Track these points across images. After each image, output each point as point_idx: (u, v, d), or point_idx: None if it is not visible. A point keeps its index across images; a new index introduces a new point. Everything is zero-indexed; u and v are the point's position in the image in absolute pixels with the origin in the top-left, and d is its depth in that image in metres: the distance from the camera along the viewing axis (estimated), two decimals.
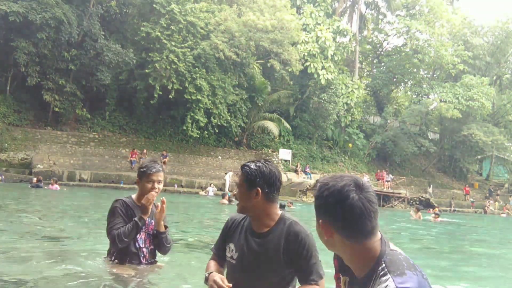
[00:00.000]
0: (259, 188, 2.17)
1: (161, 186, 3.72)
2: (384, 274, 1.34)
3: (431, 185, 35.40)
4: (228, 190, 23.35)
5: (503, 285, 5.86)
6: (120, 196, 3.81)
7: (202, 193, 22.83)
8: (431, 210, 23.03)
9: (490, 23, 39.22)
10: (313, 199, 1.51)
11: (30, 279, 3.64)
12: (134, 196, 3.84)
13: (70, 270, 4.10)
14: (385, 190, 29.16)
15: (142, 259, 3.68)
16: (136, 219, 3.53)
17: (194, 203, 17.32)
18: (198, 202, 17.87)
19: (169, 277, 4.09)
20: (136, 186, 3.89)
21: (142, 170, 3.67)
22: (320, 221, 1.44)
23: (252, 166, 2.22)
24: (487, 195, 35.84)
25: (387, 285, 1.30)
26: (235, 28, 25.23)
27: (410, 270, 1.34)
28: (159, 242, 3.72)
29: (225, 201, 16.98)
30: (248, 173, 2.21)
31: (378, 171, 32.89)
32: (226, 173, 25.18)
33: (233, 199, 17.83)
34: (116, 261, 3.66)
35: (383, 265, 1.38)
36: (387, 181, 30.86)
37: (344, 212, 1.37)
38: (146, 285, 3.72)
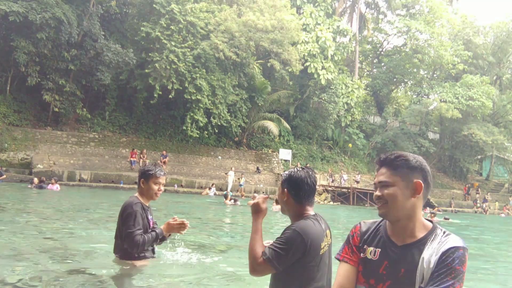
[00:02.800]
0: (286, 190, 2.43)
1: (163, 188, 4.12)
2: (448, 234, 1.69)
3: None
4: (230, 190, 23.39)
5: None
6: (133, 198, 4.03)
7: (207, 191, 22.90)
8: (427, 209, 23.03)
9: (491, 22, 39.27)
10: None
11: (30, 279, 3.64)
12: (137, 195, 4.08)
13: (70, 270, 4.10)
14: None
15: (154, 251, 4.19)
16: (159, 234, 3.99)
17: (199, 203, 17.31)
18: (202, 202, 17.86)
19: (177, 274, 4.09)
20: (136, 186, 4.09)
21: (150, 172, 4.00)
22: (416, 181, 1.71)
23: (286, 172, 2.51)
24: (466, 192, 35.59)
25: (459, 246, 1.62)
26: (235, 28, 25.22)
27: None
28: (160, 241, 4.13)
29: (229, 202, 16.93)
30: (282, 177, 2.51)
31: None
32: (227, 173, 25.18)
33: (236, 199, 17.88)
34: (137, 255, 3.99)
35: (442, 229, 1.72)
36: None
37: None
38: (147, 280, 3.73)
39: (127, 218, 3.84)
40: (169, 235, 4.15)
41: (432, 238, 1.69)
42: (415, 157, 1.77)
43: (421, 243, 1.69)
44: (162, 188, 4.08)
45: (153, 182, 3.97)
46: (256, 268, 2.25)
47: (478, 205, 33.74)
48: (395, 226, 1.77)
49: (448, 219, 18.77)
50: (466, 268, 1.59)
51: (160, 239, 4.04)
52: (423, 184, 1.71)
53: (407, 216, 1.72)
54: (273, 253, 2.22)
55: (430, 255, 1.64)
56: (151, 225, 4.11)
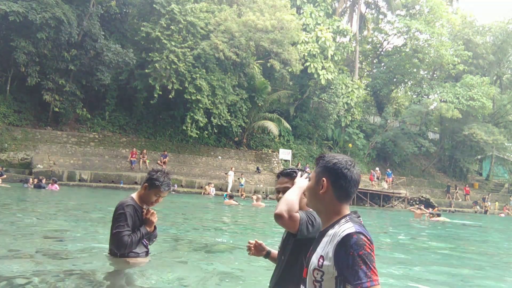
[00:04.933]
0: (325, 180, 2.56)
1: (162, 199, 4.04)
2: (346, 221, 1.81)
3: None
4: (230, 190, 23.39)
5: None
6: (127, 198, 4.00)
7: (208, 189, 22.92)
8: (429, 209, 23.03)
9: (491, 22, 39.27)
10: None
11: (30, 279, 3.64)
12: (134, 196, 4.05)
13: (70, 270, 4.10)
14: (375, 188, 29.39)
15: (147, 248, 4.12)
16: (143, 232, 3.90)
17: (200, 203, 17.31)
18: (203, 202, 17.86)
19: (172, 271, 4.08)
20: (136, 186, 4.06)
21: (156, 183, 3.89)
22: (324, 178, 1.90)
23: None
24: (446, 190, 35.51)
25: (349, 227, 1.75)
26: (235, 28, 25.21)
27: (357, 222, 1.81)
28: (149, 236, 4.09)
29: (233, 202, 16.91)
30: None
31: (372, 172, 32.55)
32: (227, 173, 25.18)
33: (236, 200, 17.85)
34: (131, 253, 3.95)
35: (347, 218, 1.84)
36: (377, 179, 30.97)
37: (345, 176, 1.88)
38: (146, 280, 3.72)
39: (117, 218, 3.85)
40: (154, 228, 4.06)
41: (333, 225, 1.85)
42: (329, 157, 1.97)
43: (326, 230, 1.87)
44: (161, 200, 3.99)
45: (154, 193, 3.90)
46: (289, 215, 2.35)
47: (477, 206, 33.73)
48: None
49: (439, 215, 18.68)
50: (369, 248, 1.69)
51: (147, 237, 3.98)
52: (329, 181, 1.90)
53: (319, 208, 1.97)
54: (306, 218, 2.43)
55: (326, 241, 1.81)
56: None
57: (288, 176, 2.76)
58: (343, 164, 1.90)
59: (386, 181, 30.91)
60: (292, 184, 2.62)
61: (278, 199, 2.70)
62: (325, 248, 1.78)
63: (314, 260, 1.81)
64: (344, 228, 1.76)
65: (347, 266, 1.67)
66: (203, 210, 14.70)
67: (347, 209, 1.91)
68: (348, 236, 1.71)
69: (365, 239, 1.70)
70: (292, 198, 2.40)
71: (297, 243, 2.56)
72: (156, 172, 3.96)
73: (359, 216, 1.93)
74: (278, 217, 2.34)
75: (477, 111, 34.08)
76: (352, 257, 1.67)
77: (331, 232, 1.81)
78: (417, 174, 38.90)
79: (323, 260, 1.76)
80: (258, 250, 2.97)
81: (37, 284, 3.52)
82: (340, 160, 1.92)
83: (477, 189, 39.32)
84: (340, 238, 1.72)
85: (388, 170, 32.33)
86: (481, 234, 15.09)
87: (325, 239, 1.82)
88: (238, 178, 25.40)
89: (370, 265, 1.67)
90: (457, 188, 35.77)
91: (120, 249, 3.84)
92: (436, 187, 36.93)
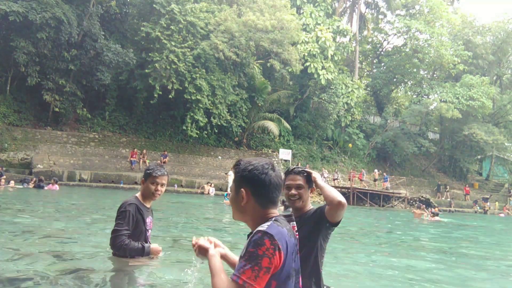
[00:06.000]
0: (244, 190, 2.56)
1: (163, 189, 4.05)
2: (263, 226, 1.73)
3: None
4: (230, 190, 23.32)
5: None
6: (131, 197, 4.06)
7: (208, 188, 22.92)
8: (430, 209, 23.03)
9: (491, 22, 39.28)
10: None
11: (30, 279, 3.64)
12: (138, 195, 4.12)
13: (71, 270, 4.10)
14: (359, 187, 29.43)
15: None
16: (146, 250, 3.96)
17: (200, 203, 17.31)
18: (203, 202, 17.86)
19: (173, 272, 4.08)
20: (136, 186, 4.13)
21: (148, 171, 3.99)
22: (242, 189, 1.83)
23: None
24: (436, 189, 35.50)
25: (264, 226, 1.72)
26: (235, 28, 25.21)
27: (278, 225, 1.74)
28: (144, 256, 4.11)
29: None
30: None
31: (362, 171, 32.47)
32: (227, 173, 25.18)
33: None
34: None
35: (269, 222, 1.76)
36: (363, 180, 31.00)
37: (264, 182, 1.80)
38: (147, 280, 3.73)
39: (117, 216, 3.92)
40: (152, 257, 4.11)
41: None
42: (244, 164, 1.89)
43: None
44: (162, 188, 4.01)
45: (150, 182, 3.96)
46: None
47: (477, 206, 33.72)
48: None
49: (437, 214, 18.68)
50: (263, 251, 1.64)
51: (145, 254, 4.01)
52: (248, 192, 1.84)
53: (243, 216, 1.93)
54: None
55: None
56: (149, 227, 4.13)
57: (299, 174, 2.98)
58: (259, 170, 1.82)
59: (384, 185, 30.91)
60: (304, 182, 2.93)
61: (288, 196, 2.95)
62: (243, 249, 1.76)
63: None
64: (261, 227, 1.73)
65: (240, 257, 1.70)
66: (203, 210, 14.70)
67: (274, 213, 1.85)
68: (256, 232, 1.71)
69: (268, 241, 1.65)
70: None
71: (314, 238, 2.86)
72: (148, 166, 4.12)
73: (291, 221, 1.86)
74: (343, 206, 2.72)
75: (477, 111, 34.08)
76: (246, 250, 1.68)
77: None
78: (417, 174, 38.90)
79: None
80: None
81: (38, 284, 3.52)
82: (256, 166, 1.84)
83: (477, 189, 39.32)
84: (252, 234, 1.74)
85: (385, 174, 32.30)
86: (481, 234, 15.09)
87: (246, 243, 1.78)
88: None
89: (252, 266, 1.62)
90: (447, 187, 35.69)
91: (113, 247, 3.92)
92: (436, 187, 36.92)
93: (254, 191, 1.82)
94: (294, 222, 1.92)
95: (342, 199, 2.72)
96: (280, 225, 1.75)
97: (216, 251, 1.95)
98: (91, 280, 3.74)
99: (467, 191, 35.96)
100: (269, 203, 1.84)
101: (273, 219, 1.79)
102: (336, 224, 2.84)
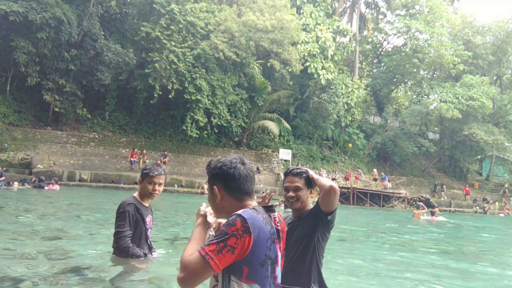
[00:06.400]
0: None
1: (161, 188, 4.06)
2: (240, 211, 1.78)
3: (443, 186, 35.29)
4: None
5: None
6: (129, 197, 4.07)
7: (205, 188, 22.92)
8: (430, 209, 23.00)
9: (491, 22, 39.27)
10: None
11: (30, 279, 3.64)
12: (136, 195, 4.13)
13: (71, 270, 4.10)
14: (355, 186, 29.44)
15: (152, 248, 4.22)
16: (148, 256, 4.08)
17: (199, 203, 17.30)
18: (205, 202, 17.84)
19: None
20: (136, 186, 4.13)
21: (145, 171, 4.01)
22: (215, 187, 1.89)
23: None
24: (433, 189, 35.45)
25: (235, 213, 1.77)
26: (235, 28, 25.21)
27: (253, 212, 1.79)
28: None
29: None
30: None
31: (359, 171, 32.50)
32: None
33: None
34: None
35: (246, 209, 1.82)
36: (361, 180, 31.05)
37: (233, 176, 1.87)
38: (147, 280, 3.73)
39: (117, 217, 3.95)
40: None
41: None
42: (214, 163, 1.96)
43: None
44: (159, 187, 4.02)
45: (148, 182, 3.97)
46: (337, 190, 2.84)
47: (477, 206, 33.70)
48: None
49: (434, 213, 18.66)
50: (232, 231, 1.70)
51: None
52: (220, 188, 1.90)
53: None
54: None
55: None
56: (149, 226, 4.15)
57: (298, 175, 2.96)
58: (227, 165, 1.90)
59: (382, 184, 30.92)
60: (302, 184, 2.93)
61: (287, 197, 2.95)
62: None
63: None
64: (237, 212, 1.80)
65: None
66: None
67: (251, 204, 1.90)
68: (232, 215, 1.78)
69: (239, 222, 1.72)
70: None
71: (312, 234, 2.87)
72: (145, 166, 4.13)
73: (271, 211, 1.92)
74: (335, 190, 2.72)
75: (477, 111, 34.07)
76: (219, 229, 1.78)
77: None
78: (417, 174, 38.90)
79: None
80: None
81: (38, 284, 3.52)
82: (224, 162, 1.92)
83: (477, 189, 39.31)
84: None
85: (382, 174, 32.31)
86: (478, 234, 15.09)
87: None
88: None
89: (218, 241, 1.70)
90: (443, 186, 35.64)
91: (117, 248, 3.95)
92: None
93: (226, 186, 1.89)
94: (275, 213, 1.96)
95: (333, 184, 2.74)
96: (255, 212, 1.80)
97: (203, 222, 2.02)
98: (91, 280, 3.74)
99: (467, 191, 35.94)
100: (243, 194, 1.90)
101: (251, 207, 1.85)
102: (330, 213, 2.81)
